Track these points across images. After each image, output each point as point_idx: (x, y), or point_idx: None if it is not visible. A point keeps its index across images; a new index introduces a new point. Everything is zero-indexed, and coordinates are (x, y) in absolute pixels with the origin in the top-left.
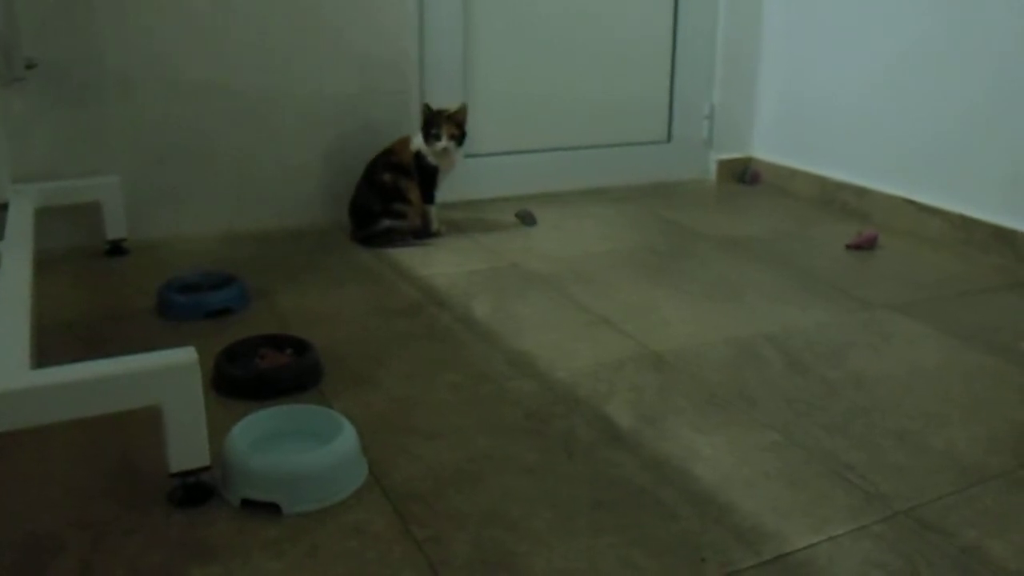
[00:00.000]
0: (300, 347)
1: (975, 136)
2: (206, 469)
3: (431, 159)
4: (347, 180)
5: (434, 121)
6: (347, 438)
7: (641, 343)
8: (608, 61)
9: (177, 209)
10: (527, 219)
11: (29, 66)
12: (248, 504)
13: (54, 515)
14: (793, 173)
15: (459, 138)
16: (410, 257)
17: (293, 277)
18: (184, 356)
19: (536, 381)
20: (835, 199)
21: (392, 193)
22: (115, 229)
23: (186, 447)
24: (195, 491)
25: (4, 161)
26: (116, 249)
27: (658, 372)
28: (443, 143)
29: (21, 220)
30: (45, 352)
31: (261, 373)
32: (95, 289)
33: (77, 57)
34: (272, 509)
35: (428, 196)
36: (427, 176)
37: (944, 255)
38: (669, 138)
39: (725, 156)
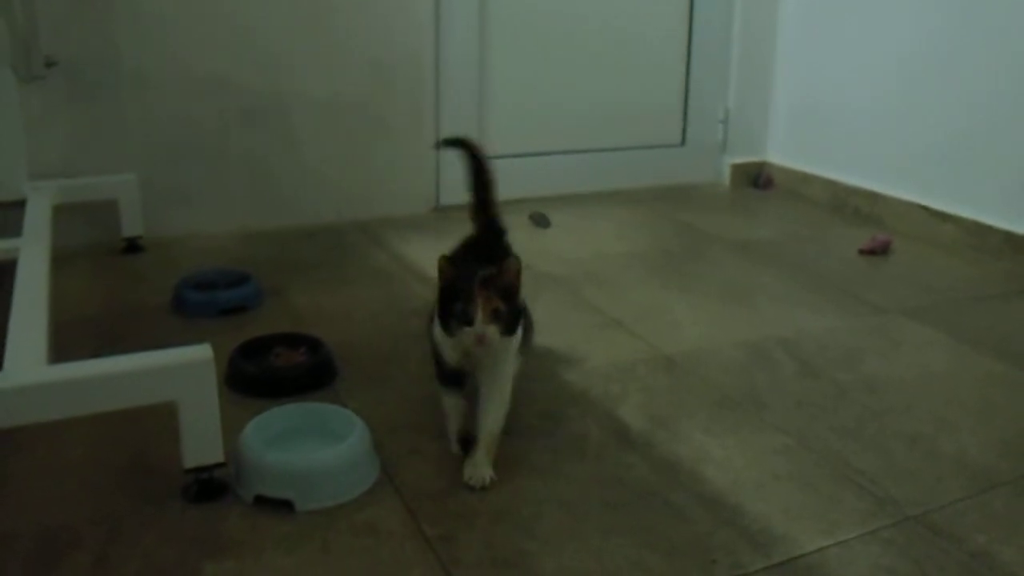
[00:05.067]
0: (314, 345)
1: (989, 142)
2: (220, 465)
3: (442, 343)
4: (361, 180)
5: (462, 289)
6: (360, 436)
7: (653, 345)
8: (623, 64)
9: (192, 207)
10: (541, 221)
11: (49, 64)
12: (261, 501)
13: (70, 509)
14: (806, 177)
15: (507, 319)
16: (424, 257)
17: (307, 276)
18: (200, 353)
19: (548, 382)
20: (848, 204)
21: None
22: (132, 227)
23: (201, 443)
24: (209, 487)
25: (22, 158)
26: (132, 246)
27: (670, 374)
28: (477, 329)
29: (39, 217)
30: (62, 348)
31: (275, 371)
32: (111, 286)
33: (94, 55)
34: (285, 506)
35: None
36: (438, 356)
37: (956, 261)
38: (683, 142)
39: (739, 160)
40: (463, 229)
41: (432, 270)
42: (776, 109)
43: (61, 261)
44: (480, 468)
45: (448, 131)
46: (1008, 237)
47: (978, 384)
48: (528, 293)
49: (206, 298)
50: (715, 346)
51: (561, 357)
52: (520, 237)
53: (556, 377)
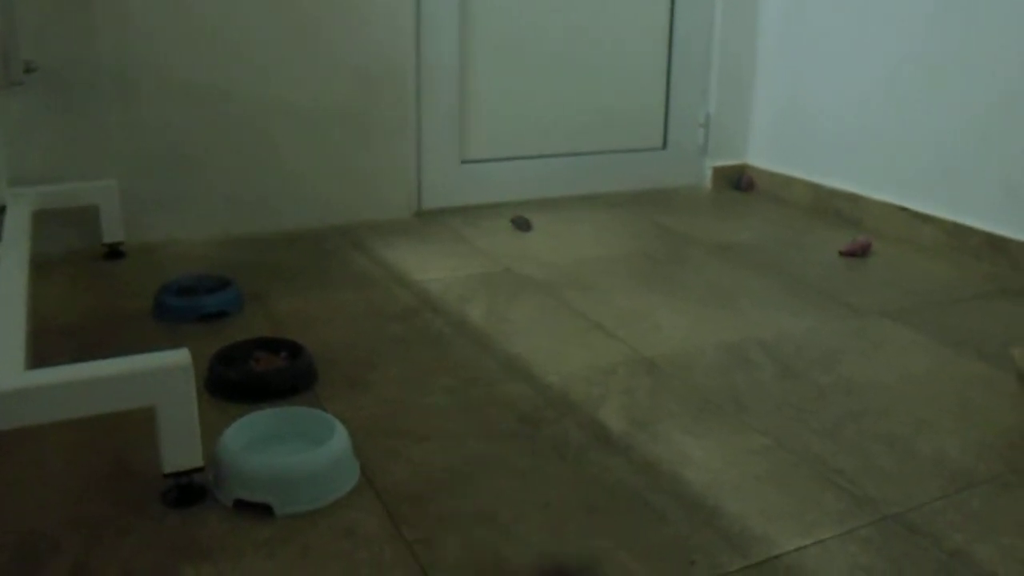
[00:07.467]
0: (294, 350)
1: (969, 144)
2: (199, 470)
3: None
4: (342, 185)
5: None
6: (339, 440)
7: (634, 348)
8: (604, 68)
9: (174, 213)
10: (522, 225)
11: (28, 70)
12: (241, 505)
13: (48, 515)
14: (787, 180)
15: None
16: (405, 262)
17: (288, 281)
18: (178, 358)
19: (528, 385)
20: (829, 206)
21: None
22: (112, 233)
23: (179, 448)
24: (188, 492)
25: (2, 164)
26: (113, 252)
27: (650, 377)
28: None
29: (18, 223)
30: (41, 354)
31: (255, 376)
32: (91, 292)
33: (76, 61)
34: (264, 510)
35: None
36: None
37: (937, 262)
38: (664, 145)
39: (720, 163)
40: (445, 234)
41: (415, 273)
42: (757, 112)
43: (41, 267)
44: None
45: (430, 136)
46: (988, 238)
47: (957, 385)
48: (509, 297)
49: (187, 304)
50: (696, 348)
51: (541, 360)
52: (502, 241)
53: (536, 380)
